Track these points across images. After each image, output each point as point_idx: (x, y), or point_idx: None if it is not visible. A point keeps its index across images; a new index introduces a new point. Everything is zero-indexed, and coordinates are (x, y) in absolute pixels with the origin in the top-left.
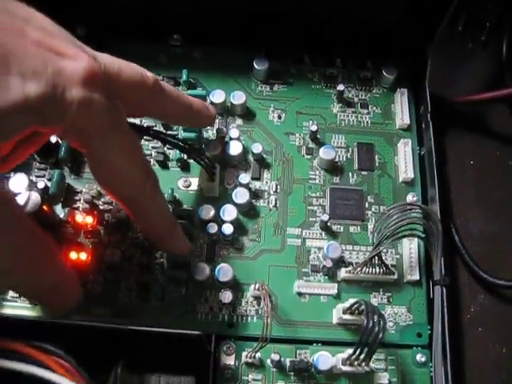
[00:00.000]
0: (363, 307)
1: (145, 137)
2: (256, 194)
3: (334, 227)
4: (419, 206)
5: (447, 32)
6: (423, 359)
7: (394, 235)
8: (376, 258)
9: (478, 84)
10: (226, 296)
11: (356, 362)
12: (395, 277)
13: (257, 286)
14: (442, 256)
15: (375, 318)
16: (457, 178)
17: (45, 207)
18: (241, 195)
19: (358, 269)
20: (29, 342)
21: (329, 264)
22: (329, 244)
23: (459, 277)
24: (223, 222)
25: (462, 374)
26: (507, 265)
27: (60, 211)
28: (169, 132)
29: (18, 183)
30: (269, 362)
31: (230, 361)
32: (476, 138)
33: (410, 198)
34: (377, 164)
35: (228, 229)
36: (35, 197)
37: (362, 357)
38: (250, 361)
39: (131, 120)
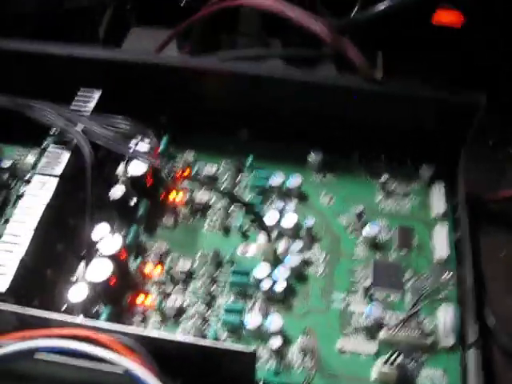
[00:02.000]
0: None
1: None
2: (306, 262)
3: (375, 294)
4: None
5: (477, 143)
6: None
7: (430, 296)
8: (413, 318)
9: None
10: (275, 343)
11: None
12: (430, 341)
13: (305, 333)
14: (475, 322)
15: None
16: (488, 267)
17: (123, 252)
18: (292, 260)
19: (398, 327)
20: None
21: (370, 322)
22: (371, 304)
23: (493, 358)
24: (275, 282)
25: None
26: None
27: (132, 262)
28: None
29: (102, 230)
30: None
31: None
32: (507, 232)
33: (445, 275)
34: (415, 244)
35: (280, 286)
36: (119, 238)
37: None
38: None
39: None
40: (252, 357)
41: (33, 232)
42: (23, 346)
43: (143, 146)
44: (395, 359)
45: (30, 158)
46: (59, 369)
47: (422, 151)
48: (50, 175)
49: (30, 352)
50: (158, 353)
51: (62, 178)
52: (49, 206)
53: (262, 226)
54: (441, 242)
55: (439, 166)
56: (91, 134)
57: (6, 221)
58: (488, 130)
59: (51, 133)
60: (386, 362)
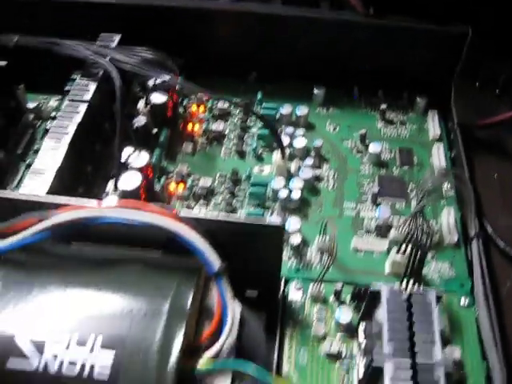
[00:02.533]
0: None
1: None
2: (317, 178)
3: (382, 203)
4: (454, 173)
5: (466, 83)
6: (466, 302)
7: (433, 193)
8: (419, 215)
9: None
10: (295, 240)
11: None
12: (437, 236)
13: (324, 229)
14: (475, 217)
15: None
16: (483, 186)
17: (150, 169)
18: (305, 172)
19: (406, 224)
20: None
21: (380, 222)
22: (380, 207)
23: (493, 258)
24: (291, 191)
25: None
26: None
27: (156, 183)
28: None
29: (128, 151)
30: (331, 296)
31: (297, 296)
32: (496, 156)
33: (444, 187)
34: (415, 162)
35: (296, 194)
36: (145, 155)
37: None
38: (315, 292)
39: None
40: (280, 230)
41: (66, 147)
42: (90, 213)
43: (164, 76)
44: (406, 249)
45: (53, 103)
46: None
47: (416, 84)
48: (80, 101)
49: (89, 220)
50: None
51: (91, 103)
52: (79, 128)
53: (277, 141)
54: (439, 158)
55: (432, 96)
56: (118, 62)
57: (36, 151)
58: (476, 72)
59: (77, 72)
60: (398, 252)
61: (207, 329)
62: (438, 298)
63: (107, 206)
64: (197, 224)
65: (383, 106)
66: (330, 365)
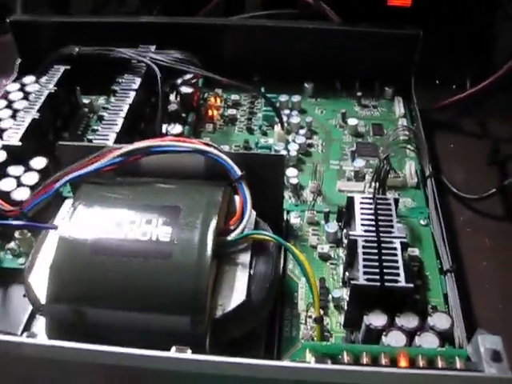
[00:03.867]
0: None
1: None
2: (309, 145)
3: (358, 161)
4: (410, 128)
5: (425, 78)
6: (425, 222)
7: (395, 144)
8: (386, 163)
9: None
10: (293, 180)
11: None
12: (401, 179)
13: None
14: (429, 162)
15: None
16: (441, 152)
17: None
18: (300, 139)
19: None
20: None
21: (356, 169)
22: (356, 159)
23: (446, 202)
24: (289, 150)
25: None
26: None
27: None
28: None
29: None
30: (322, 220)
31: (296, 221)
32: (452, 132)
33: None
34: (385, 133)
35: (293, 153)
36: (179, 127)
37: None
38: (310, 217)
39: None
40: (281, 158)
41: (122, 122)
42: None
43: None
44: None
45: (102, 101)
46: None
47: (385, 77)
48: (130, 89)
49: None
50: None
51: (137, 91)
52: (129, 109)
53: (279, 116)
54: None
55: (398, 86)
56: (157, 60)
57: (93, 130)
58: (434, 68)
59: (117, 80)
60: (370, 187)
61: (233, 218)
62: (396, 200)
63: (160, 140)
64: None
65: (359, 94)
66: (322, 263)
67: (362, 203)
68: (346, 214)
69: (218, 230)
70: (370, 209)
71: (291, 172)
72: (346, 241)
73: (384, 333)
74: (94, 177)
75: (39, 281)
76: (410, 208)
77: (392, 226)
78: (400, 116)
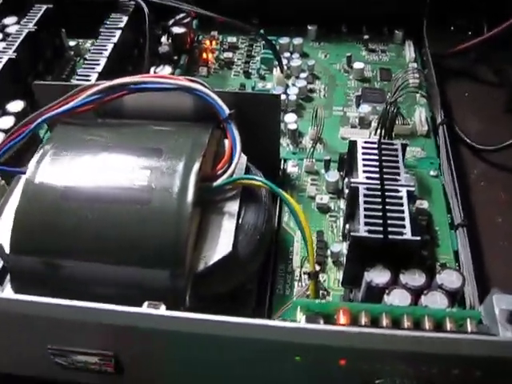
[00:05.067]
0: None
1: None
2: (311, 90)
3: (364, 107)
4: (421, 71)
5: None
6: (435, 173)
7: (404, 88)
8: (394, 107)
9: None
10: (292, 126)
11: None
12: (410, 126)
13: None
14: (440, 108)
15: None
16: (454, 98)
17: None
18: (300, 82)
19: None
20: None
21: (362, 114)
22: (361, 105)
23: (459, 150)
24: (288, 95)
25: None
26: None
27: None
28: None
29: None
30: (322, 169)
31: (294, 170)
32: (466, 80)
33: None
34: (393, 77)
35: (292, 97)
36: (168, 68)
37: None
38: (308, 165)
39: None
40: (277, 99)
41: (104, 62)
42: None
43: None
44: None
45: (88, 45)
46: None
47: (393, 19)
48: (115, 28)
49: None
50: None
51: (123, 30)
52: (114, 48)
53: (278, 58)
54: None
55: (408, 29)
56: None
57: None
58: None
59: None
60: (375, 133)
61: (220, 162)
62: (404, 146)
63: (143, 76)
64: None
65: (366, 37)
66: (321, 215)
67: (365, 148)
68: (347, 161)
69: (202, 175)
70: (375, 154)
71: (290, 117)
72: (347, 190)
73: (386, 291)
74: (72, 117)
75: (6, 230)
76: (419, 158)
77: (398, 174)
78: (410, 61)
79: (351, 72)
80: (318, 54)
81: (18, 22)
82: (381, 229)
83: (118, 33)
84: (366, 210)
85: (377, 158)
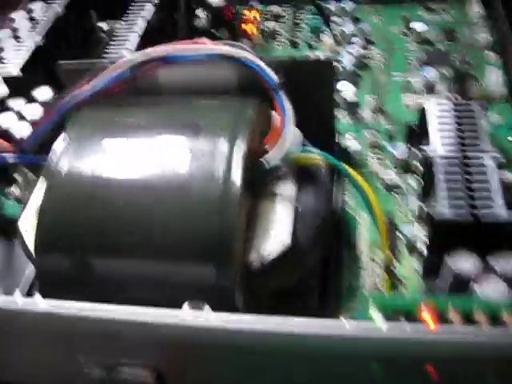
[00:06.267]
0: None
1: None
2: (366, 57)
3: (429, 72)
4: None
5: None
6: None
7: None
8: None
9: None
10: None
11: None
12: (483, 87)
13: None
14: None
15: None
16: None
17: None
18: (355, 47)
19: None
20: None
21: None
22: (425, 69)
23: None
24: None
25: None
26: None
27: None
28: None
29: None
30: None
31: (352, 143)
32: None
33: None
34: (460, 39)
35: (346, 61)
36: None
37: None
38: (370, 137)
39: None
40: (331, 64)
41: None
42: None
43: None
44: None
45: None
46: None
47: None
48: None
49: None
50: None
51: (157, 5)
52: (148, 24)
53: (327, 23)
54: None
55: None
56: None
57: None
58: None
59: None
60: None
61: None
62: (483, 107)
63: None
64: None
65: None
66: (387, 194)
67: (439, 112)
68: (417, 131)
69: (250, 154)
70: (451, 118)
71: (345, 86)
72: (418, 164)
73: (474, 279)
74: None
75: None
76: (496, 125)
77: (482, 140)
78: (478, 18)
79: (410, 35)
80: (371, 18)
81: (44, 7)
82: (469, 210)
83: (150, 8)
84: (448, 188)
85: (454, 121)
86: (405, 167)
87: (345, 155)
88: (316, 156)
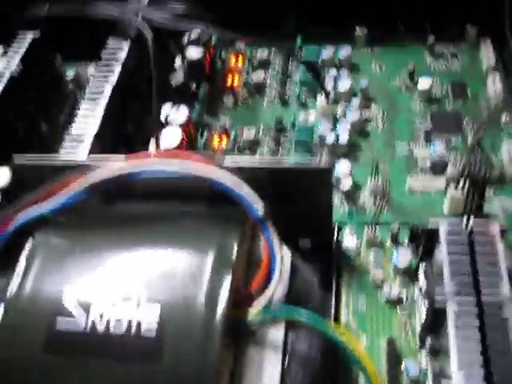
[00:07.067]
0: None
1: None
2: (365, 120)
3: (436, 140)
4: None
5: None
6: None
7: (491, 123)
8: (476, 148)
9: None
10: (346, 184)
11: None
12: (497, 171)
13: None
14: None
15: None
16: None
17: (190, 124)
18: (352, 114)
19: (463, 157)
20: None
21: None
22: (433, 143)
23: None
24: (338, 135)
25: None
26: None
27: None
28: None
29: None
30: (388, 240)
31: (352, 242)
32: None
33: (503, 117)
34: (469, 95)
35: (343, 137)
36: (184, 109)
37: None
38: (371, 236)
39: None
40: (328, 173)
41: (103, 110)
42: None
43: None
44: (464, 184)
45: (91, 69)
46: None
47: (464, 12)
48: (114, 60)
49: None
50: None
51: (125, 64)
52: (115, 88)
53: (321, 85)
54: (495, 88)
55: (484, 23)
56: (149, 20)
57: None
58: None
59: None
60: (456, 188)
61: (256, 278)
62: (502, 232)
63: (142, 160)
64: (240, 173)
65: (431, 40)
66: (390, 311)
67: (450, 240)
68: (423, 245)
69: (232, 302)
70: (463, 250)
71: (342, 167)
72: (425, 301)
73: None
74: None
75: None
76: (510, 215)
77: (500, 278)
78: (489, 68)
79: (415, 89)
80: (370, 66)
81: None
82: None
83: (118, 68)
84: (460, 349)
85: (468, 256)
86: (410, 275)
87: (343, 256)
88: (303, 317)
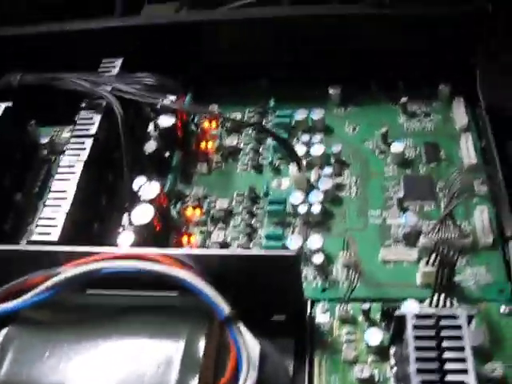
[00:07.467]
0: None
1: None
2: (338, 186)
3: (409, 207)
4: (482, 169)
5: (489, 64)
6: (507, 310)
7: (462, 194)
8: (449, 218)
9: None
10: (318, 259)
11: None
12: (470, 239)
13: (346, 246)
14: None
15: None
16: None
17: (163, 198)
18: (324, 183)
19: (436, 230)
20: None
21: (407, 230)
22: (406, 214)
23: None
24: (311, 205)
25: None
26: None
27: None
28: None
29: (140, 181)
30: (360, 316)
31: (324, 319)
32: None
33: (476, 183)
34: (443, 158)
35: (316, 208)
36: (156, 185)
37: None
38: (343, 314)
39: None
40: (296, 258)
41: (75, 188)
42: (89, 267)
43: (169, 98)
44: (435, 259)
45: (66, 134)
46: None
47: (437, 71)
48: (86, 136)
49: (95, 273)
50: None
51: (97, 137)
52: (87, 163)
53: (292, 156)
54: (468, 151)
55: (456, 82)
56: (120, 92)
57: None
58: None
59: (81, 105)
60: (427, 263)
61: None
62: (470, 318)
63: (106, 258)
64: (206, 261)
65: (404, 99)
66: None
67: (417, 326)
68: (393, 329)
69: None
70: (430, 339)
71: (313, 242)
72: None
73: None
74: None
75: None
76: (482, 286)
77: (465, 361)
78: (462, 129)
79: (388, 153)
80: (344, 128)
81: None
82: None
83: (89, 143)
84: None
85: (435, 346)
86: (381, 354)
87: (317, 333)
88: None
